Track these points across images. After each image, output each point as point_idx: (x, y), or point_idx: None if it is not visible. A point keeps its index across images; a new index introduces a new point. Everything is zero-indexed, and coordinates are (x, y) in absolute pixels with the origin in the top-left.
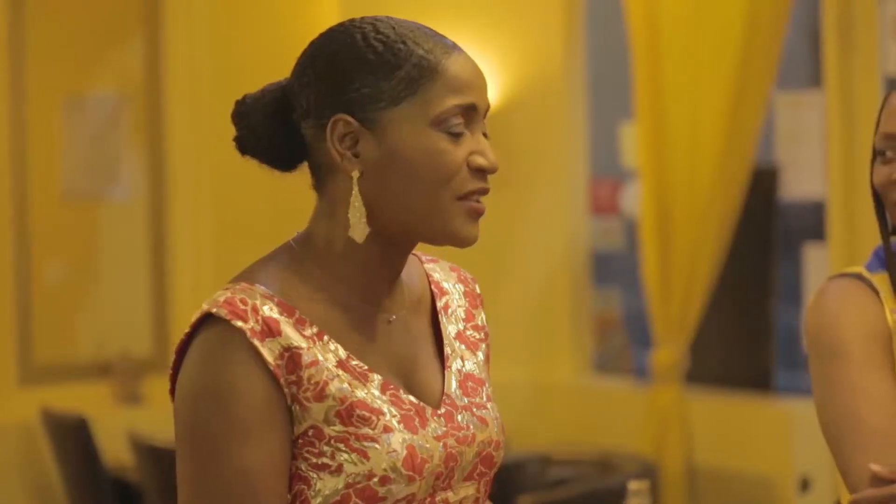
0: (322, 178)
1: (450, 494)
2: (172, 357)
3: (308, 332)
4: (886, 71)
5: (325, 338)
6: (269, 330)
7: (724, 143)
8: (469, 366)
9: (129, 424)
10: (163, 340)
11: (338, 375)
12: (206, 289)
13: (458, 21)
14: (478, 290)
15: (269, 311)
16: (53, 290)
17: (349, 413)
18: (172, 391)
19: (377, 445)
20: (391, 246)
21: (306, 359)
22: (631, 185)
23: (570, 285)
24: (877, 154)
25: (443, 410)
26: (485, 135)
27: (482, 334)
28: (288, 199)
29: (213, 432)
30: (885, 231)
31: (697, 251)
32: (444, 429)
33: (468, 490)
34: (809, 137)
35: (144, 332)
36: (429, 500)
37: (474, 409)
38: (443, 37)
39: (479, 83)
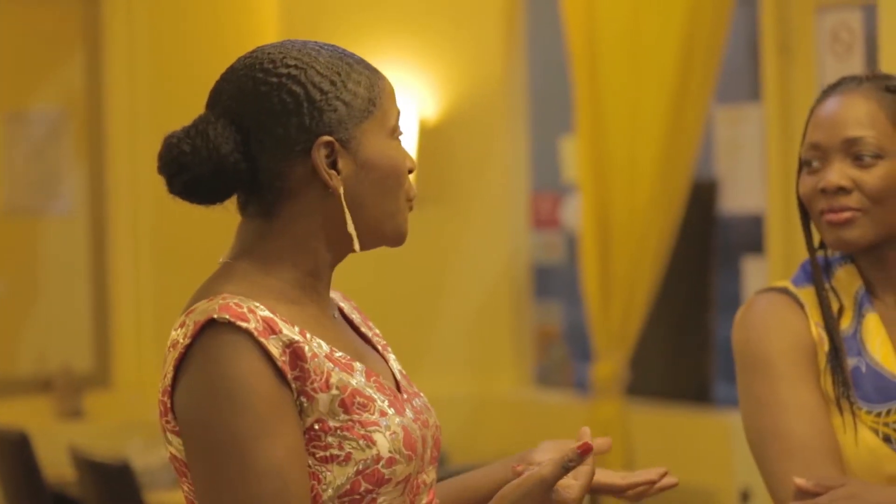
0: (277, 202)
1: (424, 476)
2: (168, 373)
3: (295, 329)
4: (825, 84)
5: (308, 335)
6: (270, 328)
7: (664, 157)
8: (396, 363)
9: (70, 439)
10: (104, 355)
11: (334, 367)
12: (146, 303)
13: (399, 35)
14: (356, 305)
15: (263, 311)
16: None
17: (351, 401)
18: (171, 408)
19: (380, 429)
20: (337, 255)
21: (308, 352)
22: (571, 199)
23: (512, 298)
24: (803, 164)
25: (405, 396)
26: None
27: (384, 341)
28: (228, 216)
29: (237, 432)
30: (811, 243)
31: (637, 264)
32: (414, 413)
33: (432, 474)
34: (749, 151)
35: (85, 347)
36: (415, 481)
37: (419, 397)
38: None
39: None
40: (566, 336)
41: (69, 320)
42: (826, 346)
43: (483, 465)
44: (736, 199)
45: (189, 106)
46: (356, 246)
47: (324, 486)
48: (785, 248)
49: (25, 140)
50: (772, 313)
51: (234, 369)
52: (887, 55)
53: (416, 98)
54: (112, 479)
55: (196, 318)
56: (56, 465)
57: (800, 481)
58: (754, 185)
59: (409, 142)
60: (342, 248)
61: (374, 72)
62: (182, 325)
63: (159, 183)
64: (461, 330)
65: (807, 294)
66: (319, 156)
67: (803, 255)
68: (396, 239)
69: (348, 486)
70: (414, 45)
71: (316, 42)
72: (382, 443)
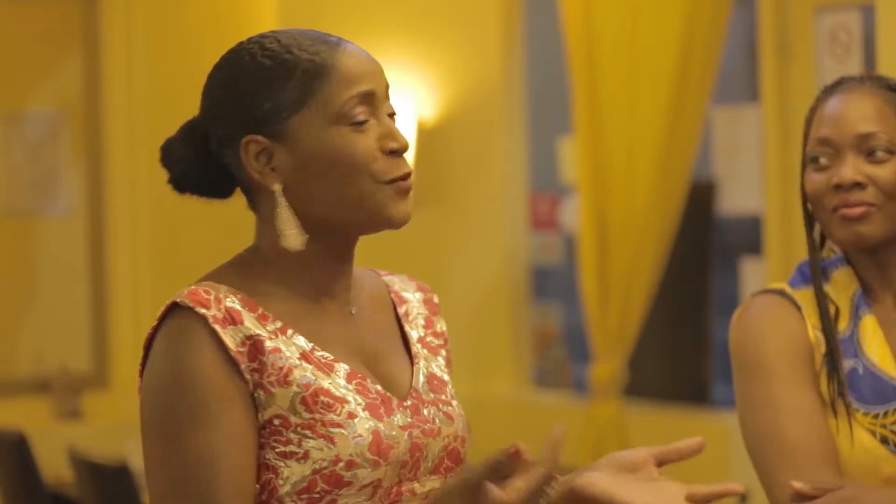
0: (253, 198)
1: (416, 486)
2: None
3: (271, 326)
4: (823, 85)
5: (290, 332)
6: (231, 318)
7: (662, 158)
8: (433, 367)
9: (68, 440)
10: (102, 356)
11: (300, 365)
12: (145, 303)
13: (398, 36)
14: (436, 300)
15: (232, 302)
16: None
17: (314, 399)
18: (141, 387)
19: (343, 431)
20: (333, 241)
21: (269, 345)
22: (570, 200)
23: (510, 300)
24: (808, 161)
25: (409, 402)
26: (392, 114)
27: (441, 340)
28: (226, 215)
29: (176, 417)
30: (813, 244)
31: (636, 265)
32: (410, 420)
33: (434, 483)
34: (747, 152)
35: (83, 347)
36: (395, 488)
37: (440, 405)
38: (328, 35)
39: (371, 69)
40: (564, 337)
41: (67, 321)
42: (823, 349)
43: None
44: (734, 200)
45: (186, 106)
46: (288, 245)
47: (280, 481)
48: (783, 249)
49: (23, 140)
50: (769, 315)
51: (183, 355)
52: (885, 56)
53: (415, 99)
54: (110, 479)
55: (167, 302)
56: (54, 466)
57: (797, 484)
58: (752, 186)
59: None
60: (329, 238)
61: (325, 54)
62: None
63: (157, 183)
64: (459, 331)
65: (804, 296)
66: (247, 155)
67: (801, 255)
68: (384, 224)
69: (305, 484)
70: (412, 45)
71: (286, 30)
72: (343, 445)
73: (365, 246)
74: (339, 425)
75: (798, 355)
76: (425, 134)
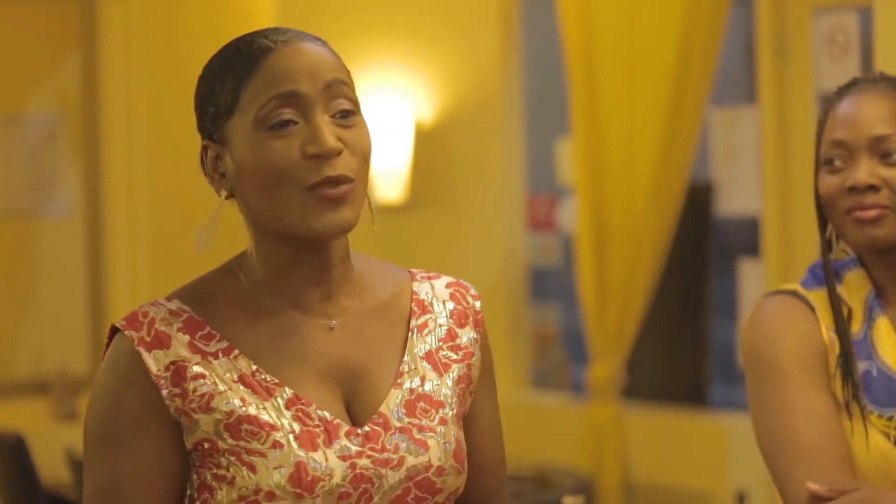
0: (237, 202)
1: None
2: None
3: (213, 347)
4: (821, 87)
5: (235, 353)
6: (159, 342)
7: (660, 159)
8: (429, 387)
9: (66, 442)
10: (100, 357)
11: (230, 390)
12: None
13: (395, 37)
14: (476, 307)
15: (166, 326)
16: None
17: (237, 427)
18: None
19: (265, 460)
20: (296, 249)
21: (192, 371)
22: (568, 202)
23: (508, 301)
24: (822, 164)
25: (366, 429)
26: (346, 112)
27: (460, 354)
28: (225, 216)
29: (94, 437)
30: (826, 245)
31: (634, 267)
32: (358, 448)
33: None
34: (744, 153)
35: (82, 349)
36: None
37: (414, 432)
38: (280, 33)
39: (300, 68)
40: (562, 338)
41: (65, 322)
42: (837, 350)
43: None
44: (732, 202)
45: (185, 108)
46: (195, 246)
47: (214, 503)
48: (781, 250)
49: (21, 142)
50: (783, 316)
51: (104, 377)
52: (883, 57)
53: (412, 100)
54: None
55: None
56: (52, 468)
57: (813, 486)
58: (750, 188)
59: (405, 143)
60: (289, 247)
61: (255, 56)
62: None
63: (156, 185)
64: None
65: (817, 297)
66: (206, 159)
67: (799, 257)
68: (308, 234)
69: None
70: (410, 47)
71: (257, 30)
72: (264, 475)
73: (361, 248)
74: (261, 454)
75: (812, 357)
76: (423, 135)
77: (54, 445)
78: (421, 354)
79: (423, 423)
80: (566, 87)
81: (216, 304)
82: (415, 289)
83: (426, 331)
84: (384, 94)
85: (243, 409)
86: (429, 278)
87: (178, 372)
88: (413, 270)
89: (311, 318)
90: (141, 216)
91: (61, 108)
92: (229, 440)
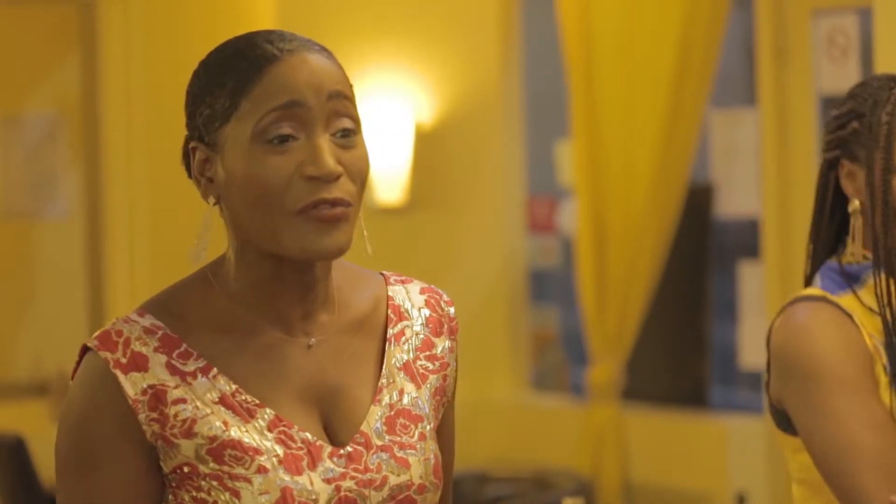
0: (220, 207)
1: None
2: None
3: (191, 366)
4: (821, 88)
5: (213, 371)
6: (136, 364)
7: (660, 161)
8: (407, 400)
9: None
10: None
11: (212, 413)
12: None
13: (395, 38)
14: (450, 313)
15: (142, 346)
16: None
17: (220, 452)
18: None
19: (250, 486)
20: (280, 264)
21: (173, 395)
22: (567, 203)
23: (507, 303)
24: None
25: (349, 449)
26: (347, 131)
27: (437, 364)
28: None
29: (65, 460)
30: (887, 253)
31: (633, 268)
32: (342, 470)
33: None
34: (744, 155)
35: None
36: None
37: (395, 450)
38: (286, 40)
39: (304, 79)
40: (562, 340)
41: (65, 324)
42: (884, 358)
43: (478, 469)
44: (731, 204)
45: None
46: (190, 256)
47: None
48: (780, 251)
49: (21, 143)
50: (824, 323)
51: (76, 400)
52: (883, 59)
53: (412, 102)
54: None
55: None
56: (52, 470)
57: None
58: (750, 190)
59: (404, 145)
60: (276, 263)
61: (259, 63)
62: None
63: (155, 186)
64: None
65: (850, 303)
66: (194, 161)
67: (799, 258)
68: (298, 257)
69: None
70: (410, 48)
71: (247, 33)
72: (248, 500)
73: (361, 250)
74: (246, 479)
75: (863, 365)
76: (423, 137)
77: (54, 447)
78: (398, 365)
79: (404, 440)
80: (566, 89)
81: (191, 319)
82: (390, 293)
83: (403, 340)
84: (384, 96)
85: (226, 433)
86: (402, 282)
87: (156, 396)
88: (386, 273)
89: (289, 336)
90: (140, 217)
91: (61, 109)
92: (211, 464)
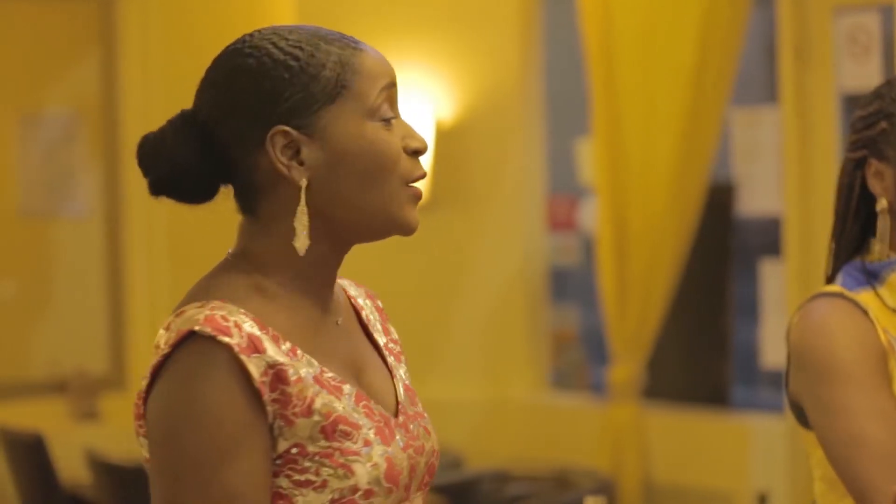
0: (255, 199)
1: None
2: (146, 377)
3: (284, 347)
4: (842, 87)
5: (299, 352)
6: (254, 346)
7: (681, 160)
8: (404, 377)
9: (85, 442)
10: (119, 357)
11: (321, 392)
12: (162, 305)
13: (416, 37)
14: (381, 304)
15: (251, 328)
16: (8, 307)
17: (333, 428)
18: (144, 414)
19: (361, 459)
20: (334, 248)
21: (292, 375)
22: (588, 202)
23: (527, 301)
24: None
25: (401, 419)
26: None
27: (399, 347)
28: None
29: (193, 455)
30: None
31: (654, 267)
32: (405, 439)
33: (418, 500)
34: (765, 153)
35: (100, 348)
36: None
37: (419, 419)
38: (342, 34)
39: (389, 66)
40: (582, 339)
41: (84, 322)
42: None
43: (498, 468)
44: (753, 202)
45: None
46: (297, 245)
47: None
48: (802, 250)
49: (40, 142)
50: (840, 319)
51: (204, 389)
52: None
53: (433, 100)
54: (128, 481)
55: (180, 327)
56: (71, 468)
57: None
58: (771, 188)
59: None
60: (335, 244)
61: (350, 49)
62: (168, 328)
63: None
64: (476, 333)
65: (867, 299)
66: (274, 147)
67: (820, 257)
68: (400, 229)
69: None
70: (430, 46)
71: (298, 25)
72: (361, 474)
73: (383, 248)
74: (355, 454)
75: (875, 360)
76: (443, 135)
77: (73, 445)
78: (382, 346)
79: (419, 409)
80: (586, 88)
81: (259, 306)
82: (343, 285)
83: (371, 325)
84: (405, 94)
85: (336, 410)
86: (340, 279)
87: (277, 376)
88: None
89: (326, 314)
90: (159, 215)
91: (79, 107)
92: (322, 442)
